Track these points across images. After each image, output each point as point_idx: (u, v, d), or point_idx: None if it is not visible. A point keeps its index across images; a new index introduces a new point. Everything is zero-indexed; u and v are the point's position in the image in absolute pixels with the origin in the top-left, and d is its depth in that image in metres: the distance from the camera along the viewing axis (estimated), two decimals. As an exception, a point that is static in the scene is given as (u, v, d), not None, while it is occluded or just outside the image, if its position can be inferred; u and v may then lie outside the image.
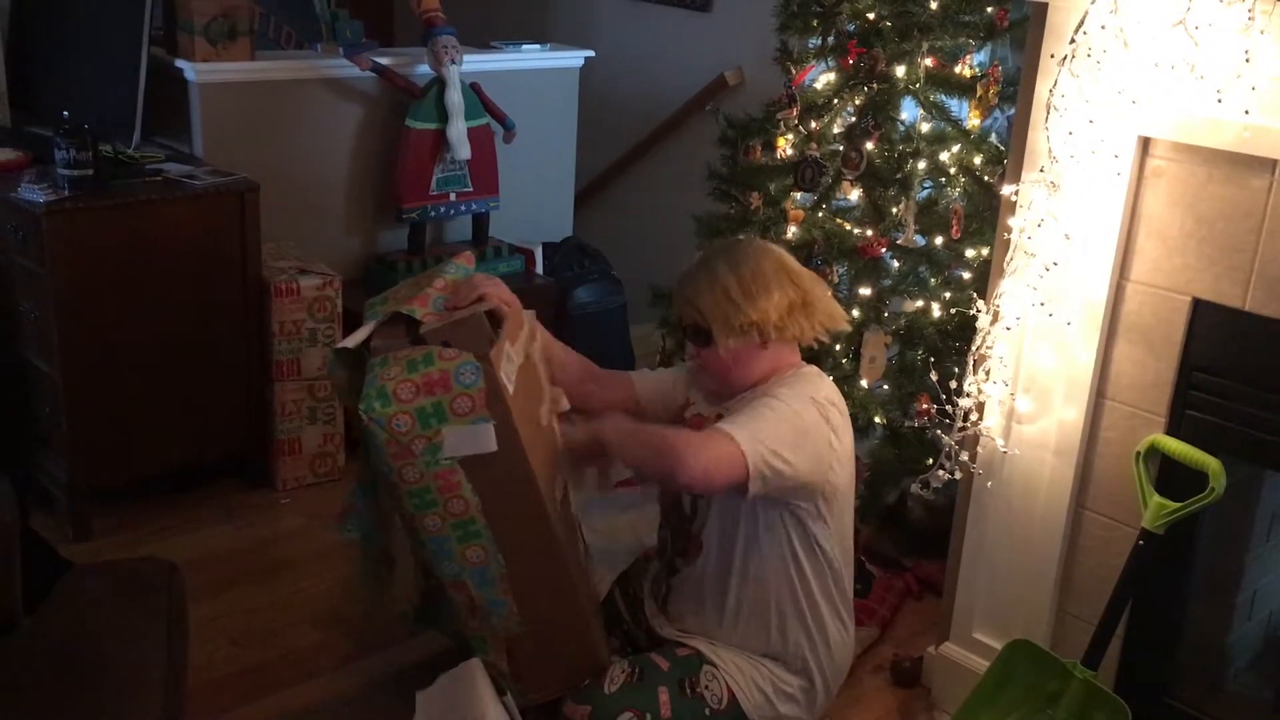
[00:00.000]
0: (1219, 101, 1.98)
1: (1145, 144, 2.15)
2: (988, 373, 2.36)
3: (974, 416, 2.40)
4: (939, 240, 3.01)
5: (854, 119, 3.03)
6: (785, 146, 3.12)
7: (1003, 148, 2.88)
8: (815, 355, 3.09)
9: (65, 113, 2.89)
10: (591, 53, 4.23)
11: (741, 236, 2.34)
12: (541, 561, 2.11)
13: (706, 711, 2.10)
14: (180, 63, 3.30)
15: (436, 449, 1.94)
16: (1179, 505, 2.15)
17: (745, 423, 2.03)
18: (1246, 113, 1.95)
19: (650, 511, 2.49)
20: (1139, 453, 2.22)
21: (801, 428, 2.05)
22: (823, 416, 2.09)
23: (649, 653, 2.20)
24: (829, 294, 2.22)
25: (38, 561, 2.48)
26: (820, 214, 3.08)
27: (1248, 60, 1.92)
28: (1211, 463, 2.11)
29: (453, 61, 3.53)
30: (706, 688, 2.13)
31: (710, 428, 2.08)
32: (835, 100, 3.04)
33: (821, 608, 2.19)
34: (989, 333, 2.34)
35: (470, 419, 1.93)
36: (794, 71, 3.11)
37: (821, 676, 2.22)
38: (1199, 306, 2.14)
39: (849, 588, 2.27)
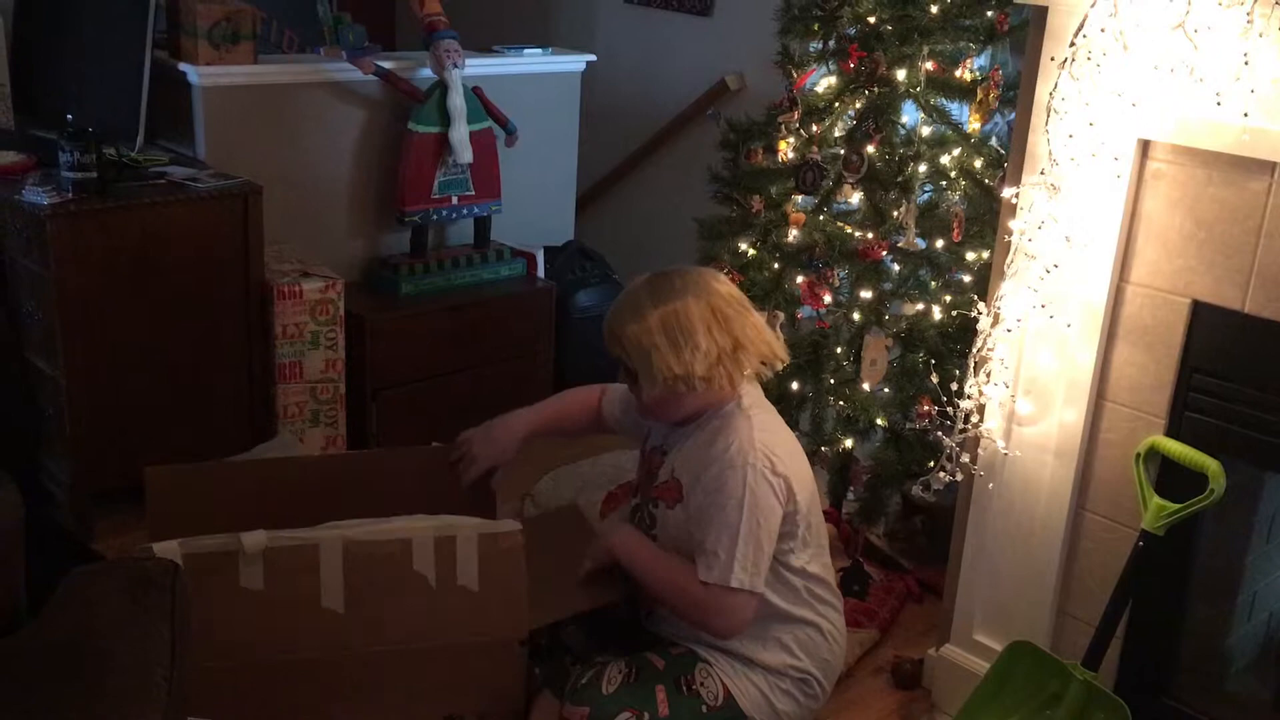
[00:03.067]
0: (1218, 104, 1.98)
1: (1145, 146, 2.16)
2: (988, 375, 2.37)
3: (975, 418, 2.41)
4: (940, 243, 3.01)
5: (855, 122, 3.04)
6: (786, 150, 3.13)
7: (1003, 151, 2.89)
8: (816, 359, 3.10)
9: (69, 116, 2.90)
10: (593, 57, 4.25)
11: (675, 268, 2.17)
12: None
13: (703, 709, 2.11)
14: (183, 66, 3.30)
15: None
16: (1179, 506, 2.15)
17: (720, 557, 2.04)
18: (1246, 115, 1.96)
19: None
20: (1139, 454, 2.23)
21: (761, 522, 2.05)
22: (764, 475, 2.06)
23: (645, 651, 2.21)
24: (763, 330, 2.15)
25: (62, 557, 2.49)
26: (821, 217, 3.09)
27: (1247, 63, 1.93)
28: (1211, 464, 2.11)
29: (455, 65, 3.54)
30: (702, 685, 2.13)
31: (706, 585, 2.06)
32: (836, 104, 3.05)
33: (804, 614, 2.20)
34: (989, 335, 2.35)
35: None
36: (795, 75, 3.12)
37: (815, 674, 2.22)
38: (1199, 308, 2.15)
39: (831, 580, 2.27)
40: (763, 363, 2.14)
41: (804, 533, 2.16)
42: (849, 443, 3.15)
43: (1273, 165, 2.00)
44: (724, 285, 2.14)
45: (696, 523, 2.10)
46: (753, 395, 2.18)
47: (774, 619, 2.17)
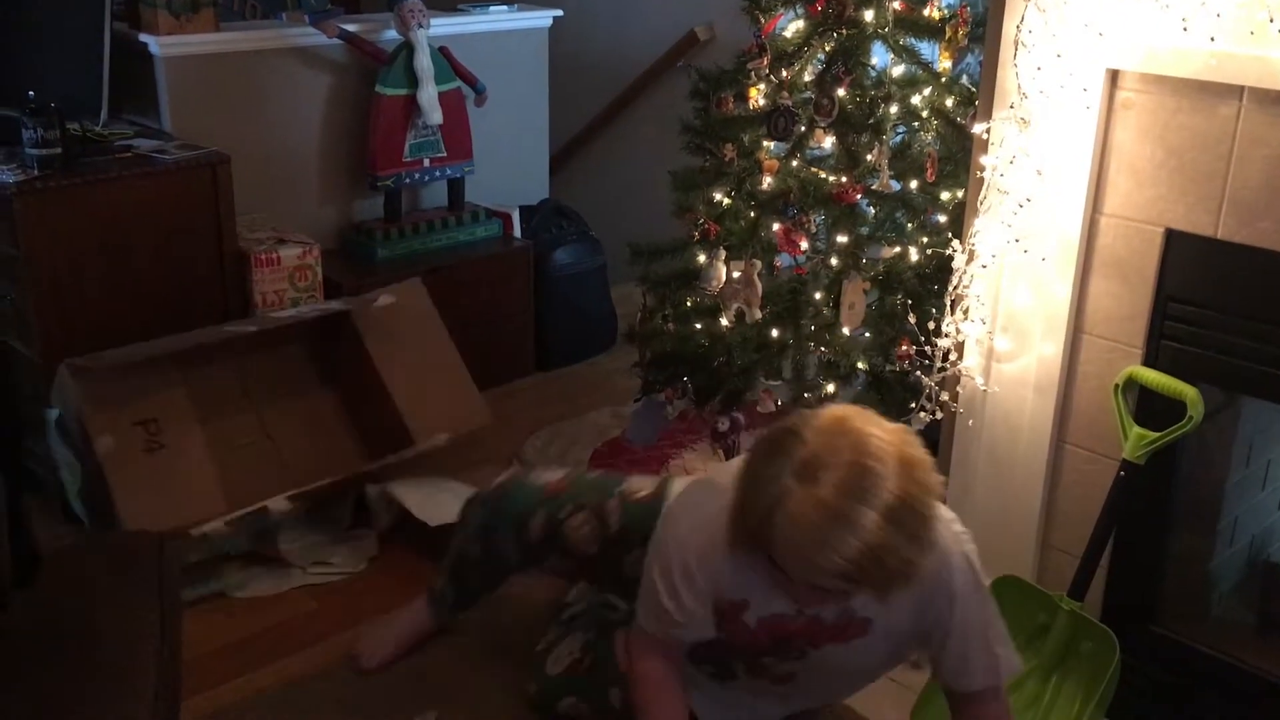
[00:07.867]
0: (1185, 30, 1.98)
1: (1114, 76, 2.15)
2: (966, 312, 2.37)
3: (954, 357, 2.42)
4: (914, 184, 3.00)
5: (824, 66, 3.02)
6: (757, 97, 3.11)
7: (974, 89, 2.87)
8: (795, 305, 3.10)
9: (31, 92, 2.86)
10: (559, 12, 4.20)
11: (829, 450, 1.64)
12: None
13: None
14: (144, 37, 3.26)
15: None
16: (1158, 435, 2.17)
17: (1001, 652, 1.90)
18: (1212, 40, 1.96)
19: None
20: (1117, 385, 2.24)
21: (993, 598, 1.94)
22: (973, 545, 1.92)
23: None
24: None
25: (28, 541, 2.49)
26: (795, 163, 3.07)
27: (1212, -13, 1.92)
28: (1189, 391, 2.13)
29: (420, 25, 3.50)
30: None
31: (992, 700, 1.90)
32: (805, 48, 3.02)
33: None
34: (965, 272, 2.35)
35: None
36: (763, 21, 3.09)
37: None
38: (1172, 237, 2.16)
39: None
40: None
41: None
42: (831, 388, 3.16)
43: (1240, 89, 2.00)
44: (882, 430, 1.67)
45: (932, 640, 1.89)
46: None
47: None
